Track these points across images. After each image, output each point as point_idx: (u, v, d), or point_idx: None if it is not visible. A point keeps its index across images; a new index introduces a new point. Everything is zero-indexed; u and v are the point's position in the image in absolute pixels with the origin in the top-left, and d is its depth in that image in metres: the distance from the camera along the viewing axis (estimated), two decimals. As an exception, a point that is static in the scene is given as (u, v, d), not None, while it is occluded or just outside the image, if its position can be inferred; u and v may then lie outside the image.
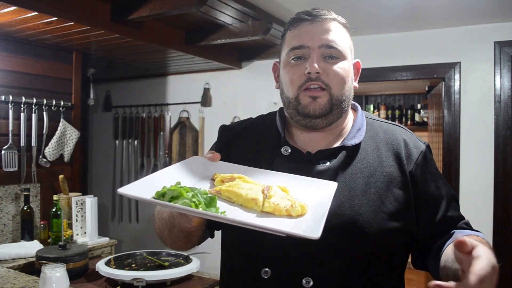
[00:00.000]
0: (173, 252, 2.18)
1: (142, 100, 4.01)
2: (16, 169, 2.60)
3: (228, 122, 2.83)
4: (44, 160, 2.77)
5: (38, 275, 1.66)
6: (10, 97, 2.57)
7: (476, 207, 2.63)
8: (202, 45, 2.87)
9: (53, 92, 2.85)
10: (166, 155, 3.85)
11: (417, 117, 5.40)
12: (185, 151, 3.78)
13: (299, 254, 0.92)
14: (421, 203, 0.98)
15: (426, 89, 3.78)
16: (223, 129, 1.17)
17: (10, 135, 2.58)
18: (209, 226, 1.07)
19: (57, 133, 2.81)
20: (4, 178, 2.57)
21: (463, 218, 1.03)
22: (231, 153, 1.09)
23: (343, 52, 1.00)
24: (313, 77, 0.97)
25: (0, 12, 2.08)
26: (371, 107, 5.76)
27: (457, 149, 2.75)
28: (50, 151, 2.78)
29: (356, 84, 1.08)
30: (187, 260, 2.08)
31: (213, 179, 0.96)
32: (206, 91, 3.65)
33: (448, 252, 0.89)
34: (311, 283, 0.91)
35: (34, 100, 2.68)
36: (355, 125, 1.05)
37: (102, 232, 2.83)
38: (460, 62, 2.75)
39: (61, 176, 2.72)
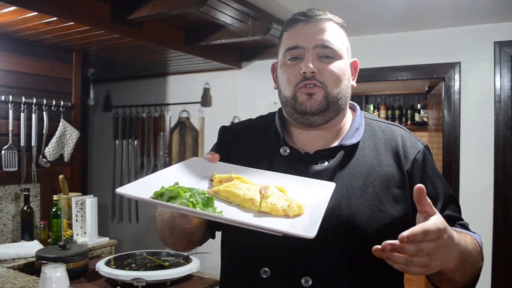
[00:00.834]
0: (173, 252, 2.18)
1: (142, 100, 4.01)
2: (16, 169, 2.60)
3: (228, 122, 2.82)
4: (44, 160, 2.77)
5: (38, 275, 1.66)
6: (10, 97, 2.57)
7: (476, 207, 2.63)
8: (202, 45, 2.88)
9: (53, 92, 2.85)
10: (166, 155, 3.85)
11: (417, 117, 5.41)
12: (185, 151, 3.78)
13: (298, 254, 0.93)
14: None
15: (426, 89, 3.78)
16: (223, 130, 1.18)
17: (10, 135, 2.58)
18: (210, 227, 1.08)
19: (57, 133, 2.82)
20: (4, 178, 2.57)
21: (461, 219, 1.02)
22: (231, 153, 1.10)
23: (338, 51, 1.00)
24: (308, 77, 0.98)
25: (0, 12, 2.08)
26: (371, 107, 5.76)
27: (457, 149, 2.75)
28: (50, 151, 2.78)
29: (354, 83, 1.09)
30: (187, 260, 2.08)
31: (211, 180, 0.96)
32: (206, 91, 3.65)
33: None
34: (310, 282, 0.91)
35: (34, 100, 2.68)
36: (354, 125, 1.06)
37: (102, 232, 2.83)
38: (460, 62, 2.75)
39: (61, 176, 2.72)
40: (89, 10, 2.25)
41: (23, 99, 2.63)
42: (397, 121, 5.31)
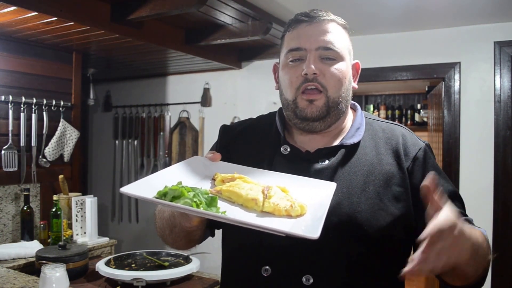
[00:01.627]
0: (173, 252, 2.18)
1: (142, 100, 4.01)
2: (16, 169, 2.60)
3: (228, 122, 2.84)
4: (44, 160, 2.77)
5: (38, 275, 1.66)
6: (10, 97, 2.57)
7: (476, 207, 2.62)
8: (202, 45, 2.88)
9: (53, 92, 2.85)
10: (166, 155, 3.85)
11: (417, 117, 5.41)
12: (185, 151, 3.78)
13: (299, 252, 0.93)
14: (418, 200, 0.98)
15: (426, 89, 3.78)
16: (224, 129, 1.18)
17: (10, 135, 2.58)
18: (210, 225, 1.08)
19: (57, 133, 2.81)
20: (4, 178, 2.57)
21: (465, 215, 1.01)
22: (231, 152, 1.10)
23: (340, 53, 1.00)
24: (310, 78, 0.98)
25: (0, 12, 2.08)
26: (371, 107, 5.76)
27: (457, 149, 2.75)
28: (50, 151, 2.78)
29: (355, 84, 1.09)
30: (187, 260, 2.08)
31: (213, 179, 0.96)
32: (206, 91, 3.65)
33: None
34: (311, 281, 0.92)
35: (34, 100, 2.68)
36: (354, 125, 1.06)
37: (102, 232, 2.83)
38: (460, 62, 2.75)
39: (61, 176, 2.72)
40: (89, 10, 2.25)
41: (23, 99, 2.62)
42: (397, 121, 5.30)
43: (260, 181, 0.93)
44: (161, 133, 3.88)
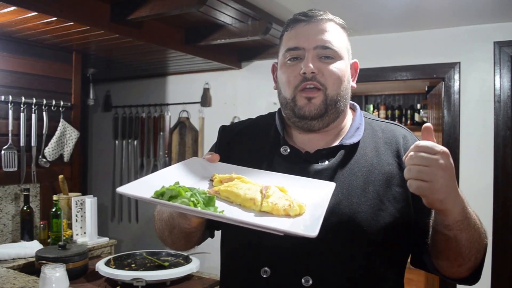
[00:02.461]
0: (172, 252, 2.18)
1: (142, 100, 4.01)
2: (15, 169, 2.60)
3: (228, 122, 2.84)
4: (44, 160, 2.77)
5: (38, 275, 1.66)
6: (10, 97, 2.57)
7: (475, 207, 2.59)
8: (201, 45, 2.87)
9: (53, 92, 2.85)
10: (166, 155, 3.85)
11: (416, 117, 5.41)
12: (185, 151, 3.78)
13: (298, 253, 0.93)
14: (417, 199, 0.98)
15: (426, 89, 3.78)
16: (223, 130, 1.18)
17: (9, 135, 2.58)
18: (209, 226, 1.08)
19: (57, 133, 2.81)
20: (4, 178, 2.57)
21: None
22: (231, 153, 1.10)
23: (338, 52, 1.00)
24: (308, 77, 0.98)
25: (0, 12, 2.08)
26: (371, 107, 5.76)
27: (456, 149, 2.75)
28: (49, 151, 2.78)
29: (354, 84, 1.09)
30: (187, 260, 2.08)
31: (212, 180, 0.96)
32: (206, 91, 3.65)
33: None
34: (311, 282, 0.91)
35: (34, 100, 2.68)
36: (354, 125, 1.06)
37: (101, 232, 2.83)
38: (459, 62, 2.75)
39: (60, 176, 2.72)
40: (89, 10, 2.25)
41: (23, 99, 2.62)
42: (396, 121, 5.30)
43: (258, 181, 0.92)
44: (161, 133, 3.88)
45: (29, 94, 2.69)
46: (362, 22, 2.71)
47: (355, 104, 1.13)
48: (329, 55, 0.99)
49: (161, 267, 2.01)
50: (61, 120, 2.84)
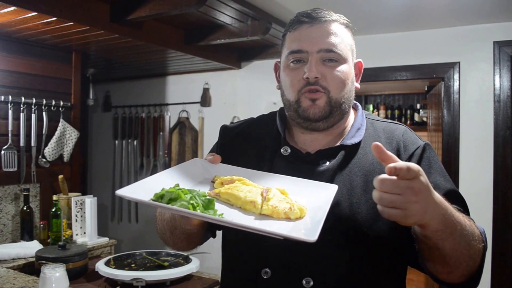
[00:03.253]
0: (172, 252, 2.18)
1: (142, 100, 4.01)
2: (15, 169, 2.60)
3: (227, 122, 2.83)
4: (44, 160, 2.77)
5: (38, 275, 1.66)
6: (10, 97, 2.57)
7: (475, 207, 2.61)
8: (201, 45, 2.87)
9: (53, 92, 2.85)
10: (166, 155, 3.85)
11: (416, 117, 5.41)
12: (185, 151, 3.78)
13: (299, 255, 0.93)
14: None
15: (426, 89, 3.78)
16: (224, 129, 1.18)
17: (9, 135, 2.58)
18: (211, 227, 1.08)
19: (57, 133, 2.81)
20: (4, 178, 2.57)
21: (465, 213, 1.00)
22: (232, 153, 1.09)
23: (343, 55, 0.99)
24: (311, 82, 0.97)
25: (0, 12, 2.07)
26: (371, 107, 5.76)
27: (456, 149, 2.75)
28: (49, 151, 2.78)
29: (357, 84, 1.08)
30: (187, 260, 2.08)
31: (213, 182, 0.96)
32: (206, 91, 3.65)
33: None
34: (311, 283, 0.91)
35: (34, 100, 2.67)
36: (355, 125, 1.05)
37: (101, 232, 2.83)
38: (459, 62, 2.75)
39: (60, 176, 2.72)
40: (89, 10, 2.25)
41: (23, 99, 2.62)
42: (396, 121, 5.30)
43: (260, 184, 0.92)
44: (161, 133, 3.88)
45: (29, 94, 2.69)
46: (362, 22, 2.71)
47: (357, 103, 1.13)
48: (333, 58, 0.98)
49: (161, 267, 2.01)
50: (61, 120, 2.84)
